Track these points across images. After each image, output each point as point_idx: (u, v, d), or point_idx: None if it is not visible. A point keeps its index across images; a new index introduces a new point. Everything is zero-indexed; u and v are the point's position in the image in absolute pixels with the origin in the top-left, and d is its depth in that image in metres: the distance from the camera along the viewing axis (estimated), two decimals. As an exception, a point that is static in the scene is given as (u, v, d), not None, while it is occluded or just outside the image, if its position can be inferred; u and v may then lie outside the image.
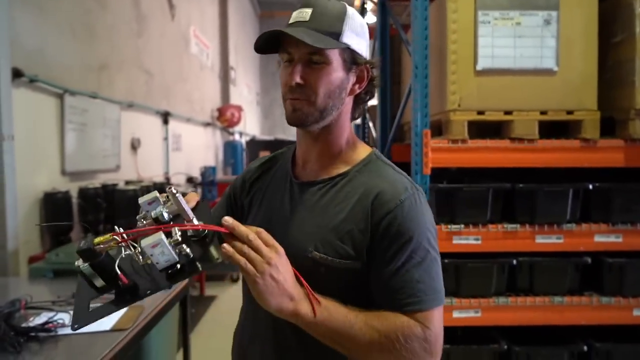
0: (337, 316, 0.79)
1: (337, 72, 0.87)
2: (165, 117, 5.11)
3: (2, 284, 2.11)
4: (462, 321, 2.06)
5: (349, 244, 0.86)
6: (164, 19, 5.28)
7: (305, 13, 0.87)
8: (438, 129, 2.29)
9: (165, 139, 5.14)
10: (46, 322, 1.37)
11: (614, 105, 2.10)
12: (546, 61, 2.06)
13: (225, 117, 7.74)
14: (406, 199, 0.86)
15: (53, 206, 2.72)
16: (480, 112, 2.07)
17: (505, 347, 2.08)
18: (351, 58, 0.89)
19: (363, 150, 0.96)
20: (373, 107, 3.86)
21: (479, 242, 2.04)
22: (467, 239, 2.04)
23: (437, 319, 0.83)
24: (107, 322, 1.43)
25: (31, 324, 1.37)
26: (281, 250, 0.77)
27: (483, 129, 2.15)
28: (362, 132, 4.27)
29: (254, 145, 9.14)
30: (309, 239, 0.87)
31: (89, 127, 3.36)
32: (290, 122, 0.89)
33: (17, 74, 2.51)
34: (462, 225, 2.06)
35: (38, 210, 2.75)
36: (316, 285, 0.81)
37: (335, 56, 0.87)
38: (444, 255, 2.07)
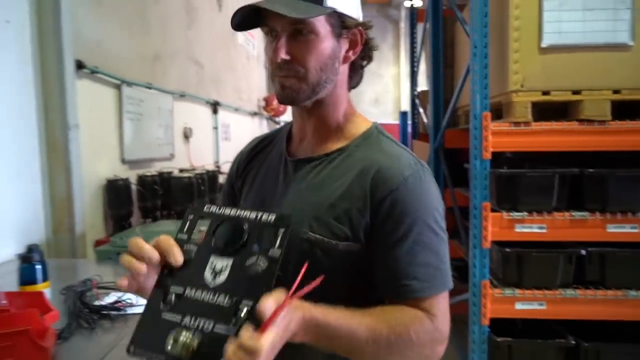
0: (340, 332, 0.70)
1: (326, 41, 0.79)
2: (215, 106, 5.21)
3: (72, 265, 2.23)
4: (525, 313, 1.98)
5: (345, 224, 0.78)
6: (211, 10, 5.35)
7: None
8: (497, 113, 2.19)
9: (215, 128, 5.25)
10: (116, 301, 1.43)
11: (697, 83, 1.92)
12: (620, 35, 1.91)
13: (271, 107, 7.80)
14: (410, 175, 0.79)
15: (115, 192, 2.84)
16: (545, 93, 1.96)
17: (573, 342, 1.98)
18: (340, 22, 0.81)
19: (363, 124, 0.88)
20: (424, 92, 3.75)
21: (544, 230, 1.94)
22: (531, 227, 1.95)
23: (443, 303, 0.79)
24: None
25: (102, 303, 1.43)
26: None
27: (547, 111, 2.03)
28: (412, 119, 4.17)
29: (299, 134, 9.18)
30: (303, 219, 0.80)
31: (145, 117, 3.48)
32: (281, 100, 0.82)
33: (79, 65, 2.62)
34: (526, 213, 1.96)
35: (101, 196, 2.88)
36: (315, 269, 0.69)
37: (321, 23, 0.78)
38: (504, 244, 2.01)
